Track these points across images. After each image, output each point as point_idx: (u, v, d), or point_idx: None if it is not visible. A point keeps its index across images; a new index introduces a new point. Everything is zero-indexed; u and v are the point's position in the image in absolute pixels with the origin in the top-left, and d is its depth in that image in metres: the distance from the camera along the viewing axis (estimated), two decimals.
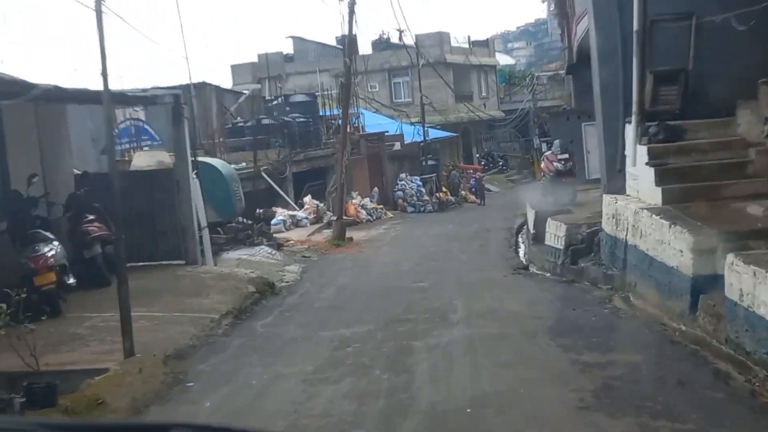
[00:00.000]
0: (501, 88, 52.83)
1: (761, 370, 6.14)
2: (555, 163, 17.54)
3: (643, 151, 11.29)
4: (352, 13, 19.98)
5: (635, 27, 11.27)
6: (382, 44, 45.55)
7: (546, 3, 49.26)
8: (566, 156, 17.61)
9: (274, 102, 30.01)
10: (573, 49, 21.20)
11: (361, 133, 31.19)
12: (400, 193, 30.30)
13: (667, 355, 7.11)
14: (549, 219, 14.50)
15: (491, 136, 51.03)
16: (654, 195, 10.61)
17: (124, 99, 12.31)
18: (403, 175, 31.00)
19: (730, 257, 7.23)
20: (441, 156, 36.24)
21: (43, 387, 5.24)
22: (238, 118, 28.45)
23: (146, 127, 20.47)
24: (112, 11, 12.38)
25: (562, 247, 13.28)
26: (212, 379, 7.14)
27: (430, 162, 33.13)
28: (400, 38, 39.03)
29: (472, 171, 38.65)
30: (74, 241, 11.91)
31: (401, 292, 12.14)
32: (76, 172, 13.80)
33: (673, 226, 8.90)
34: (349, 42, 21.25)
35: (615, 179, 12.86)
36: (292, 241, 19.43)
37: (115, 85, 19.28)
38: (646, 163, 11.06)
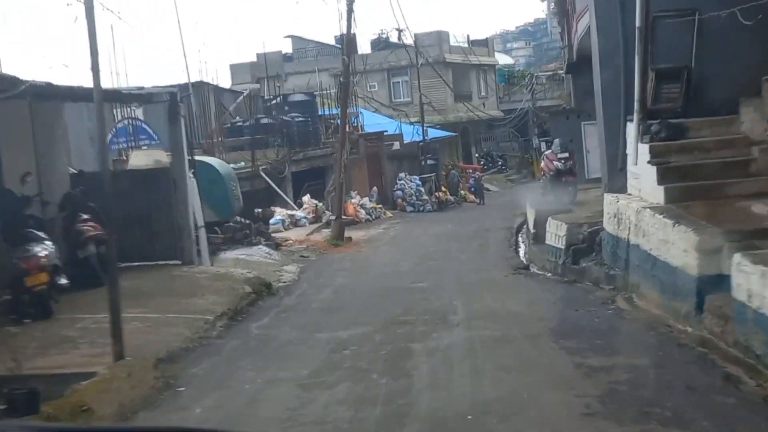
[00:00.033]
0: (500, 88, 52.68)
1: None
2: (555, 162, 17.34)
3: (644, 149, 11.12)
4: (350, 11, 19.80)
5: (637, 24, 11.10)
6: (381, 44, 45.42)
7: (545, 2, 49.18)
8: (566, 155, 17.41)
9: (273, 101, 29.83)
10: (573, 48, 21.03)
11: (360, 132, 31.04)
12: (399, 192, 30.18)
13: (674, 358, 6.91)
14: (549, 218, 14.33)
15: (490, 136, 50.89)
16: (656, 194, 10.44)
17: (118, 96, 12.14)
18: (402, 175, 30.88)
19: (737, 257, 7.05)
20: (440, 155, 36.11)
21: (25, 393, 5.05)
22: (237, 117, 28.29)
23: (144, 126, 20.26)
24: (108, 9, 12.22)
25: (563, 247, 13.11)
26: (204, 384, 6.94)
27: (429, 161, 33.01)
28: (399, 38, 38.88)
29: (471, 170, 38.51)
30: (69, 241, 11.73)
31: (400, 292, 11.96)
32: (72, 170, 13.62)
33: (677, 225, 8.73)
34: (347, 40, 21.07)
35: (616, 178, 12.72)
36: (290, 241, 19.27)
37: (113, 83, 19.24)
38: (648, 162, 10.89)
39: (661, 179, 10.41)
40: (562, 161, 17.17)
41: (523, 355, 7.40)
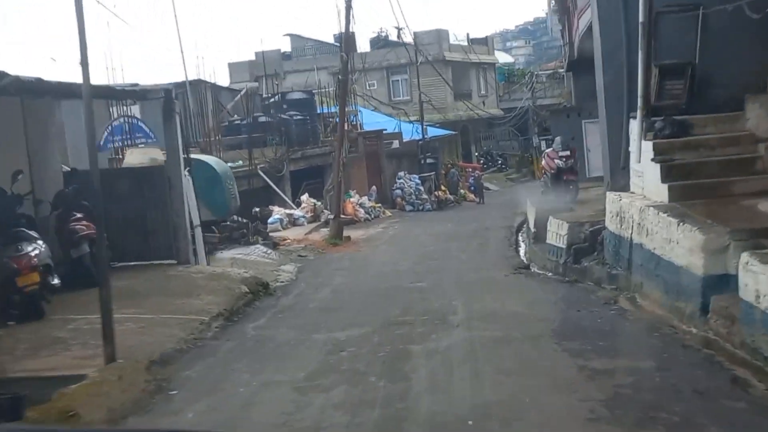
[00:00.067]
0: (500, 86, 52.56)
1: None
2: (556, 161, 17.15)
3: (648, 146, 10.94)
4: (349, 7, 19.64)
5: (640, 19, 10.92)
6: (380, 42, 45.29)
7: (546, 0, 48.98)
8: (568, 153, 17.21)
9: (271, 99, 29.67)
10: (574, 45, 20.88)
11: (359, 131, 30.91)
12: (398, 191, 30.07)
13: (680, 360, 6.72)
14: (550, 217, 14.16)
15: (490, 135, 50.78)
16: (660, 192, 10.26)
17: (111, 93, 11.95)
18: (401, 174, 30.78)
19: (745, 256, 6.86)
20: (440, 154, 36.01)
21: (8, 398, 4.86)
22: (235, 116, 28.13)
23: (141, 124, 20.13)
24: (101, 3, 12.03)
25: (564, 246, 12.93)
26: (197, 387, 6.74)
27: (428, 160, 32.94)
28: (399, 36, 38.77)
29: (471, 169, 38.42)
30: (62, 240, 11.55)
31: (399, 292, 11.78)
32: (66, 168, 13.43)
33: (681, 223, 8.54)
34: (346, 37, 20.90)
35: (618, 176, 12.55)
36: (288, 240, 19.13)
37: (109, 79, 19.05)
38: (652, 159, 10.71)
39: (665, 177, 10.23)
40: (564, 159, 16.98)
41: (524, 357, 7.21)
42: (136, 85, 12.64)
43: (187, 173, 13.55)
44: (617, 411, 5.45)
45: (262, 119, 26.58)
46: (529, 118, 44.33)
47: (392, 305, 10.47)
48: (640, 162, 11.25)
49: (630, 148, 11.77)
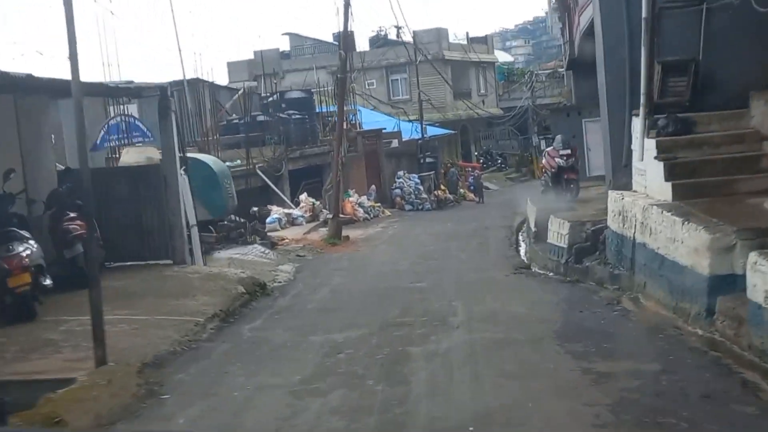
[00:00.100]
0: (500, 86, 52.40)
1: None
2: (557, 159, 16.97)
3: (651, 144, 10.77)
4: (347, 4, 19.46)
5: (643, 14, 10.74)
6: (379, 41, 45.13)
7: None
8: (568, 151, 17.02)
9: (270, 99, 29.51)
10: (575, 42, 20.74)
11: (359, 130, 30.75)
12: (397, 191, 29.94)
13: (687, 363, 6.53)
14: (552, 216, 13.98)
15: (490, 134, 50.63)
16: (663, 190, 10.10)
17: (106, 90, 11.76)
18: (401, 173, 30.66)
19: (753, 256, 6.68)
20: (439, 154, 35.86)
21: None
22: (233, 115, 27.97)
23: (138, 123, 19.97)
24: (100, 4, 11.83)
25: (565, 246, 12.75)
26: (190, 391, 6.55)
27: (428, 160, 32.81)
28: (398, 35, 38.62)
29: (470, 169, 38.31)
30: (55, 240, 11.37)
31: (398, 292, 11.61)
32: (60, 167, 13.25)
33: (686, 223, 8.37)
34: (344, 34, 20.73)
35: (620, 174, 12.40)
36: (286, 240, 18.98)
37: (105, 75, 18.86)
38: (655, 157, 10.54)
39: (669, 175, 10.06)
40: (564, 158, 16.80)
41: (526, 359, 7.02)
42: (131, 82, 12.45)
43: (183, 172, 13.38)
44: (623, 416, 5.26)
45: (261, 118, 26.42)
46: (529, 117, 44.19)
47: (391, 306, 10.30)
48: (642, 160, 11.08)
49: (632, 146, 11.63)
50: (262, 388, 6.54)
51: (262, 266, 14.55)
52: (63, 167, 13.18)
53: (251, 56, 42.59)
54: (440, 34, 44.26)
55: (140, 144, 18.71)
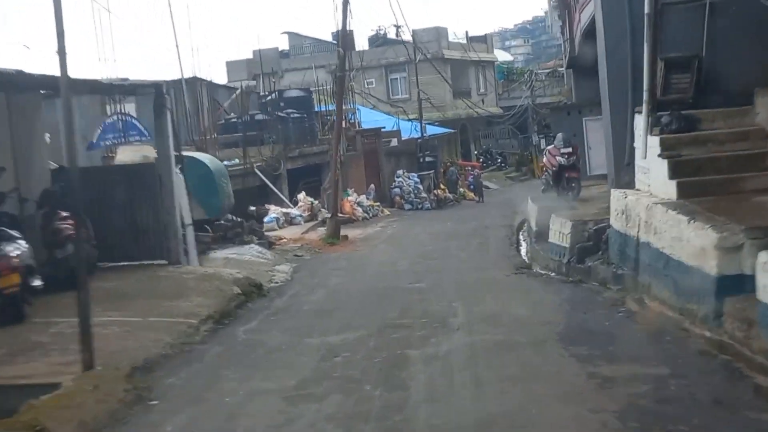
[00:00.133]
0: (499, 85, 52.23)
1: None
2: (558, 158, 16.73)
3: (654, 142, 10.58)
4: (346, 1, 19.26)
5: (646, 10, 10.55)
6: (379, 40, 44.97)
7: None
8: (570, 150, 16.78)
9: (268, 97, 29.33)
10: (575, 40, 20.54)
11: (358, 129, 30.58)
12: (397, 190, 29.80)
13: (695, 366, 6.30)
14: (553, 216, 13.78)
15: (489, 133, 50.48)
16: (667, 189, 9.90)
17: (99, 87, 11.55)
18: (400, 172, 30.53)
19: (763, 255, 6.47)
20: (439, 153, 35.70)
21: None
22: (232, 114, 27.80)
23: (135, 122, 19.79)
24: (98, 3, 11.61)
25: (567, 245, 12.54)
26: (180, 396, 6.32)
27: (427, 159, 32.67)
28: (398, 34, 38.44)
29: (470, 168, 38.16)
30: (47, 240, 11.14)
31: (397, 293, 11.41)
32: (53, 165, 13.03)
33: (692, 221, 8.16)
34: (343, 31, 20.54)
35: (623, 173, 12.21)
36: (284, 240, 18.80)
37: (101, 71, 18.64)
38: (659, 155, 10.35)
39: (673, 173, 9.87)
40: (566, 156, 16.55)
41: (529, 363, 6.80)
42: (126, 80, 12.23)
43: (178, 171, 13.17)
44: (632, 423, 5.04)
45: (260, 117, 26.26)
46: (529, 116, 44.02)
47: (390, 307, 10.11)
48: (645, 158, 10.90)
49: (635, 144, 11.43)
50: (255, 394, 6.32)
51: (258, 266, 14.36)
52: (57, 166, 12.95)
53: (250, 55, 42.41)
54: (439, 33, 44.11)
55: (138, 143, 18.54)
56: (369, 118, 34.77)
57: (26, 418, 5.13)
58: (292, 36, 48.10)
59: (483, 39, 51.08)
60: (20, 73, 8.72)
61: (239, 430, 5.52)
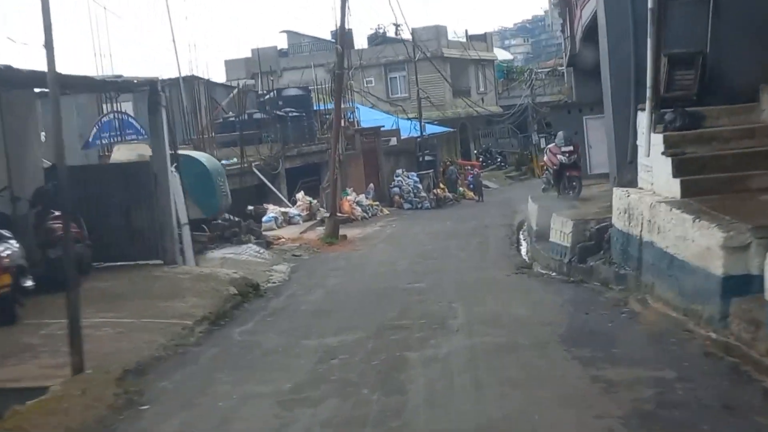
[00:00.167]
0: (499, 83, 52.06)
1: None
2: (558, 156, 16.58)
3: (658, 139, 10.41)
4: None
5: (649, 5, 10.40)
6: (378, 39, 44.80)
7: None
8: (570, 148, 16.64)
9: (267, 96, 29.15)
10: (576, 38, 20.38)
11: (357, 128, 30.42)
12: (396, 189, 29.67)
13: (702, 369, 6.12)
14: (554, 215, 13.61)
15: (489, 132, 50.32)
16: (671, 187, 9.73)
17: (92, 83, 11.38)
18: (399, 171, 30.39)
19: None
20: (438, 152, 35.56)
21: None
22: (230, 113, 27.62)
23: (131, 120, 19.63)
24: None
25: (568, 245, 12.37)
26: (172, 401, 6.14)
27: (427, 158, 32.55)
28: (397, 32, 38.25)
29: (470, 167, 38.02)
30: (40, 240, 10.96)
31: (396, 293, 11.25)
32: (46, 163, 12.85)
33: (697, 220, 7.98)
34: (341, 28, 20.38)
35: (625, 171, 12.06)
36: (282, 239, 18.64)
37: (98, 67, 18.44)
38: (662, 153, 10.17)
39: (677, 171, 9.69)
40: (566, 155, 16.40)
41: (531, 366, 6.62)
42: (120, 76, 12.04)
43: (174, 169, 12.99)
44: (638, 430, 4.86)
45: (258, 116, 26.09)
46: (529, 115, 43.87)
47: (388, 308, 9.94)
48: (648, 156, 10.74)
49: (638, 142, 11.28)
50: (249, 398, 6.14)
51: (256, 266, 14.21)
52: (50, 164, 12.77)
53: (249, 54, 42.21)
54: (439, 31, 43.94)
55: (134, 141, 18.37)
56: (368, 117, 34.61)
57: (10, 425, 4.96)
58: (291, 35, 47.92)
59: (483, 38, 50.91)
60: (8, 68, 8.54)
61: None
